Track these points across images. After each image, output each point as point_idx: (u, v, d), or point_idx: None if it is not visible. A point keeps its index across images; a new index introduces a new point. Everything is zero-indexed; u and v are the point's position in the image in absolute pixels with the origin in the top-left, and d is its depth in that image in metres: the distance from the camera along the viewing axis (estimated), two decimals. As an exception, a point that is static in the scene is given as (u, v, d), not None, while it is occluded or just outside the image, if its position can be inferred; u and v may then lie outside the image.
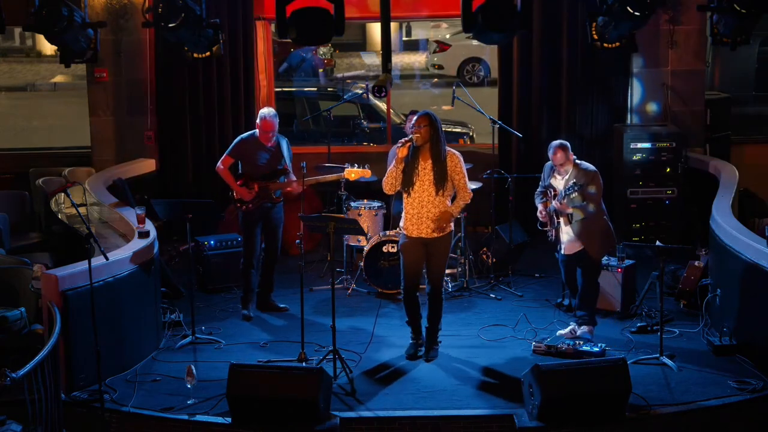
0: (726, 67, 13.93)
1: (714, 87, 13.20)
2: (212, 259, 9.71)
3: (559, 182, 8.14)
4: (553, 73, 11.32)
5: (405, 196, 7.69)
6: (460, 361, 7.86)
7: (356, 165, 9.10)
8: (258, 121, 8.81)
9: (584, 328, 8.14)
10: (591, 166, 8.10)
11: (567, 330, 8.27)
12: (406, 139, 7.59)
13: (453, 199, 7.75)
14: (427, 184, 7.59)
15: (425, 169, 7.58)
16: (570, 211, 8.02)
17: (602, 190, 8.07)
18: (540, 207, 8.29)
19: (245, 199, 8.74)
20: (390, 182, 7.65)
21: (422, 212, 7.64)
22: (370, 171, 8.95)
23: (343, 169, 9.06)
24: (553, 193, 8.15)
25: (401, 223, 7.82)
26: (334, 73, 21.96)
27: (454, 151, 7.71)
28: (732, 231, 7.96)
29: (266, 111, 8.84)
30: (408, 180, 7.60)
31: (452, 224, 7.82)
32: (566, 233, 8.16)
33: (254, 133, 8.85)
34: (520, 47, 11.27)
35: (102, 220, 9.26)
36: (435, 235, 7.65)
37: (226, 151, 8.90)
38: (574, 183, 7.83)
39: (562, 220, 8.14)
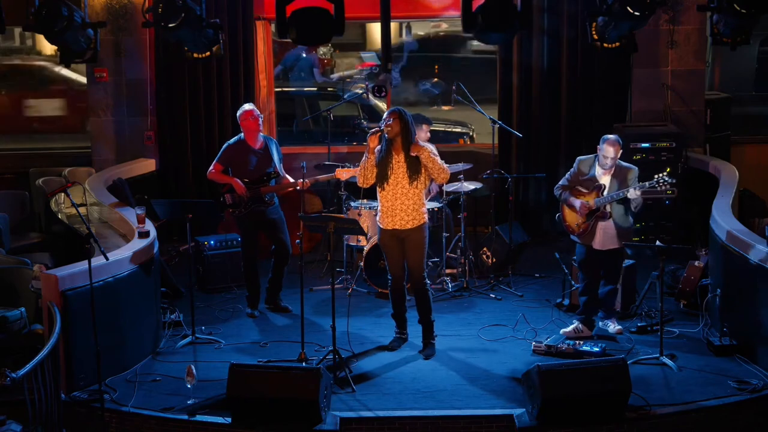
0: (726, 67, 13.92)
1: (714, 87, 13.19)
2: (212, 259, 9.71)
3: (602, 177, 8.09)
4: (553, 73, 11.33)
5: (379, 190, 7.88)
6: (460, 361, 7.86)
7: (347, 164, 9.14)
8: (238, 118, 8.84)
9: (616, 322, 8.29)
10: (630, 165, 8.14)
11: (570, 328, 8.28)
12: (377, 129, 7.75)
13: (428, 193, 7.94)
14: (401, 177, 7.79)
15: (399, 162, 7.80)
16: (634, 195, 7.91)
17: None
18: (577, 202, 8.11)
19: (242, 192, 8.75)
20: (364, 174, 7.83)
21: (396, 204, 7.82)
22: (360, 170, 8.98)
23: (333, 170, 9.09)
24: (600, 187, 8.08)
25: (377, 218, 7.99)
26: (335, 72, 21.90)
27: (427, 144, 7.95)
28: (732, 231, 7.96)
29: (244, 105, 8.95)
30: (383, 175, 7.81)
31: (426, 216, 7.92)
32: (603, 229, 8.10)
33: (240, 137, 8.88)
34: (520, 48, 11.28)
35: (102, 220, 9.27)
36: (409, 226, 7.82)
37: (216, 159, 8.93)
38: (660, 177, 7.79)
39: (609, 210, 8.06)
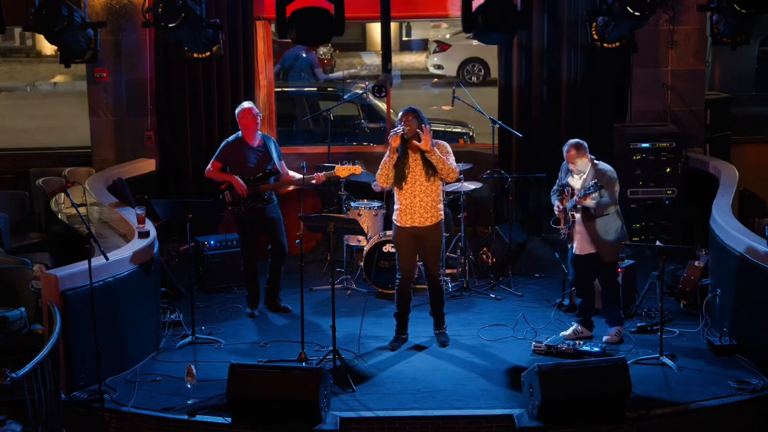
0: (726, 67, 13.93)
1: (714, 87, 13.19)
2: (212, 259, 9.71)
3: (576, 181, 8.12)
4: (553, 73, 11.32)
5: (397, 189, 7.92)
6: (460, 361, 7.86)
7: (346, 162, 9.16)
8: (237, 116, 8.84)
9: (612, 330, 8.13)
10: (608, 167, 8.06)
11: (570, 331, 8.27)
12: (399, 129, 7.77)
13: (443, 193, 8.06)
14: (419, 175, 7.84)
15: (415, 160, 7.84)
16: (591, 204, 7.96)
17: (618, 191, 8.04)
18: (557, 203, 8.26)
19: (242, 190, 8.74)
20: (385, 173, 7.86)
21: (414, 202, 7.86)
22: (360, 168, 9.00)
23: (333, 168, 9.11)
24: (570, 192, 8.13)
25: (394, 216, 8.00)
26: (335, 71, 21.93)
27: (441, 141, 7.98)
28: (732, 231, 7.96)
29: (243, 104, 8.96)
30: (400, 175, 7.85)
31: (442, 213, 7.97)
32: (579, 233, 8.14)
33: (238, 135, 8.89)
34: (520, 47, 11.28)
35: (102, 220, 9.27)
36: (427, 223, 7.87)
37: (214, 156, 8.92)
38: (594, 183, 7.81)
39: (578, 216, 8.10)
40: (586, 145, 8.10)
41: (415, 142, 7.77)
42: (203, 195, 10.88)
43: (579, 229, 8.13)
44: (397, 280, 8.13)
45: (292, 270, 9.14)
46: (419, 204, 7.87)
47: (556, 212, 8.28)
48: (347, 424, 6.82)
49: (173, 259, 10.28)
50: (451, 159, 7.90)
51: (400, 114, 7.89)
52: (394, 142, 7.76)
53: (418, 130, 7.74)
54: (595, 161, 8.09)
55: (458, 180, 9.66)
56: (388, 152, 7.84)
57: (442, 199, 8.03)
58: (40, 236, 10.49)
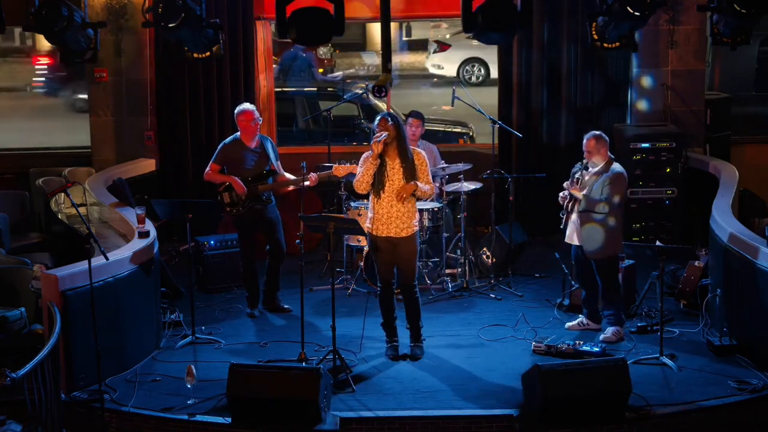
0: (726, 67, 13.93)
1: (714, 87, 13.19)
2: (212, 259, 9.71)
3: (585, 176, 8.13)
4: (553, 73, 11.32)
5: (374, 198, 7.75)
6: (460, 361, 7.86)
7: (344, 162, 9.16)
8: (237, 116, 8.83)
9: (609, 330, 8.13)
10: (617, 169, 8.04)
11: (575, 322, 8.31)
12: (383, 134, 7.61)
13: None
14: (397, 184, 7.68)
15: (393, 169, 7.69)
16: (580, 196, 7.99)
17: (622, 196, 8.00)
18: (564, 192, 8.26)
19: (242, 191, 8.74)
20: (367, 180, 7.69)
21: (392, 212, 7.71)
22: (357, 167, 8.99)
23: (331, 168, 9.10)
24: (577, 181, 8.13)
25: (368, 224, 7.84)
26: (334, 72, 21.93)
27: (418, 149, 7.86)
28: (732, 231, 7.96)
29: (242, 105, 8.95)
30: (379, 182, 7.69)
31: (416, 225, 7.84)
32: (573, 222, 8.16)
33: (236, 136, 8.89)
34: (520, 47, 11.28)
35: (102, 220, 9.27)
36: (403, 234, 7.71)
37: (212, 159, 8.92)
38: (601, 183, 7.87)
39: (574, 205, 8.12)
40: (605, 139, 8.09)
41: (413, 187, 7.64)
42: (203, 195, 10.86)
43: (573, 217, 8.15)
44: (378, 289, 7.96)
45: (292, 270, 9.13)
46: (396, 214, 7.69)
47: (560, 199, 8.25)
48: (347, 424, 6.81)
49: (173, 259, 10.29)
50: (428, 176, 7.75)
51: (377, 120, 7.71)
52: (378, 148, 7.57)
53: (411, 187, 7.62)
54: (612, 159, 8.08)
55: (458, 180, 9.68)
56: (370, 158, 7.66)
57: (416, 212, 7.85)
58: (40, 236, 10.49)
